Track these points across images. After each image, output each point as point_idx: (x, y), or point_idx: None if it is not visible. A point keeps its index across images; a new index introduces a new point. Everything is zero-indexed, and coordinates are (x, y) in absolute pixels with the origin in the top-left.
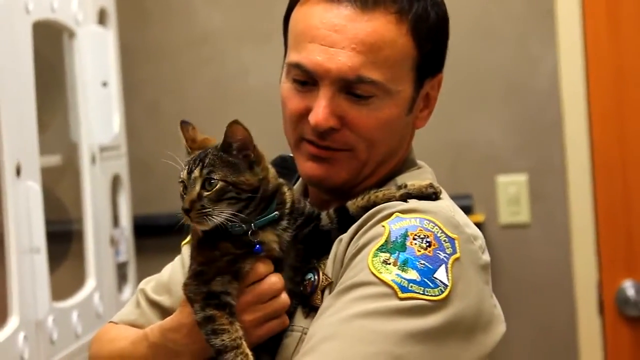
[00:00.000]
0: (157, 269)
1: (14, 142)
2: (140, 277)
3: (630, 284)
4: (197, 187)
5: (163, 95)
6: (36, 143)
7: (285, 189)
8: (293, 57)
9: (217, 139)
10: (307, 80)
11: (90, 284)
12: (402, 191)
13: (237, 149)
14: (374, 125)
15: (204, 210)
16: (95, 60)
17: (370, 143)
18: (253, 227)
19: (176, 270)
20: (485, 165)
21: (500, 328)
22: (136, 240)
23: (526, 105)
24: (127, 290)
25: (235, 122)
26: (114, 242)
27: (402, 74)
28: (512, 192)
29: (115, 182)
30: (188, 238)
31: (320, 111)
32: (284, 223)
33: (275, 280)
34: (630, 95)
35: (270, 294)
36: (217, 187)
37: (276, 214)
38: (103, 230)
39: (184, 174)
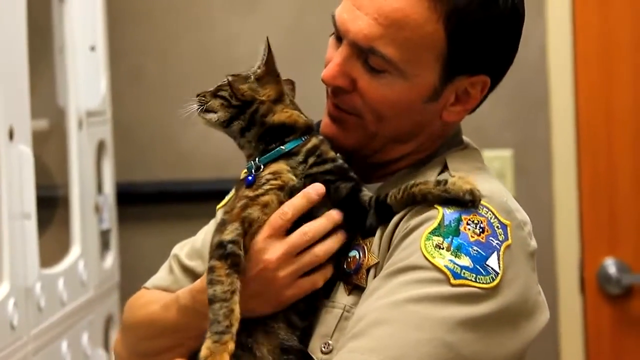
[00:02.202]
0: (140, 237)
1: (7, 105)
2: (122, 245)
3: (612, 261)
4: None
5: (147, 60)
6: (28, 107)
7: (314, 137)
8: (336, 8)
9: None
10: (339, 35)
11: (75, 250)
12: (440, 190)
13: (259, 63)
14: (381, 99)
15: (202, 100)
16: (85, 24)
17: (378, 116)
18: (258, 161)
19: (209, 235)
20: (471, 139)
21: (544, 316)
22: (117, 208)
23: (514, 80)
24: (110, 258)
25: (267, 39)
26: (98, 209)
27: (423, 60)
28: (496, 167)
29: (100, 148)
30: (223, 202)
31: (331, 67)
32: (299, 157)
33: (307, 229)
34: (618, 72)
35: (303, 245)
36: (221, 82)
37: (282, 149)
38: (88, 197)
39: None
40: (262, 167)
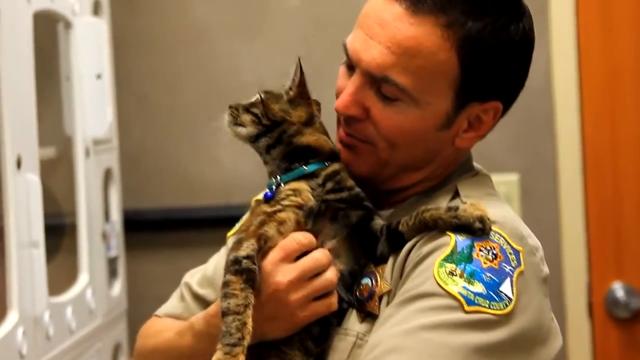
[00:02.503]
0: (147, 264)
1: (15, 134)
2: (129, 273)
3: (620, 285)
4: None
5: (153, 87)
6: (35, 135)
7: (336, 163)
8: (347, 37)
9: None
10: (350, 64)
11: (83, 279)
12: (451, 216)
13: (291, 84)
14: (395, 128)
15: (234, 112)
16: (91, 52)
17: (391, 144)
18: (279, 179)
19: (221, 262)
20: (478, 164)
21: (557, 342)
22: (125, 235)
23: (519, 105)
24: (117, 286)
25: (299, 60)
26: (105, 237)
27: (437, 87)
28: (503, 192)
29: (107, 176)
30: (233, 229)
31: (344, 97)
32: (319, 180)
33: (318, 256)
34: (623, 94)
35: (314, 270)
36: (254, 99)
37: (304, 169)
38: (95, 225)
39: None
40: (282, 185)
